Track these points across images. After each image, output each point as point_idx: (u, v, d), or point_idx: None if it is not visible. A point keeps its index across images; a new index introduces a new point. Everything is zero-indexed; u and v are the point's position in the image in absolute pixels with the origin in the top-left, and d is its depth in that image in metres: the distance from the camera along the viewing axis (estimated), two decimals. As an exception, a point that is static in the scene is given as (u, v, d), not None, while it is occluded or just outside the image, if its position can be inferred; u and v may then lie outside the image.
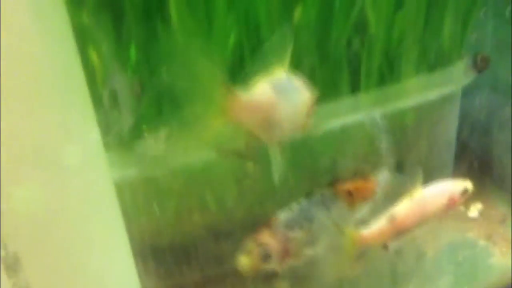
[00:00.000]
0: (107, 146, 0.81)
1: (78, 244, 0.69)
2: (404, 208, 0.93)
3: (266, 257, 0.84)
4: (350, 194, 0.89)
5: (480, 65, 1.04)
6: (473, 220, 1.26)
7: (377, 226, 0.92)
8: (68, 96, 0.67)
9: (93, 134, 0.75)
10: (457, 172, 1.15)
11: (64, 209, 0.67)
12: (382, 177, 0.93)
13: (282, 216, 0.86)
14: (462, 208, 1.27)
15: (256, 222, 1.07)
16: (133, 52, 0.93)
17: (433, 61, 1.03)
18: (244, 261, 0.84)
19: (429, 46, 1.01)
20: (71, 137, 0.67)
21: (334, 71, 0.97)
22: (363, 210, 0.92)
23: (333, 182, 0.88)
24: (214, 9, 0.91)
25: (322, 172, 1.02)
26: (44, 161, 0.63)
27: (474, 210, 1.27)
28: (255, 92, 0.70)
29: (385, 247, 0.95)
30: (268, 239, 0.85)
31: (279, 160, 0.78)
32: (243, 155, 0.78)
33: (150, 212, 0.99)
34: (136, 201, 0.96)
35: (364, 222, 0.92)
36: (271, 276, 1.11)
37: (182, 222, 1.03)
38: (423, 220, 0.96)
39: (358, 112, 1.00)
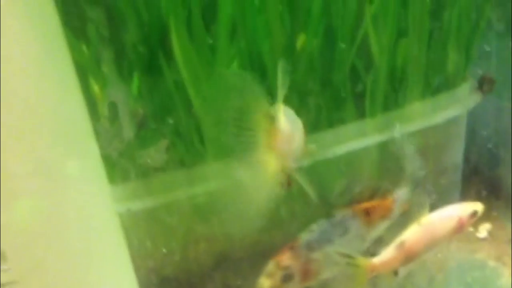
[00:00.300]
0: (111, 180, 0.82)
1: (79, 266, 0.70)
2: (413, 234, 0.92)
3: (287, 278, 0.84)
4: (367, 213, 0.89)
5: (486, 87, 1.03)
6: (482, 240, 1.25)
7: (387, 254, 0.91)
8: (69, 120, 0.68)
9: (97, 168, 0.76)
10: (465, 193, 1.14)
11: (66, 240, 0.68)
12: (400, 195, 0.92)
13: (304, 237, 0.86)
14: (471, 228, 1.26)
15: (263, 251, 1.07)
16: (135, 84, 0.94)
17: (438, 85, 1.03)
18: (265, 284, 0.84)
19: (433, 70, 1.01)
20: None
21: (338, 97, 0.96)
22: (381, 228, 0.92)
23: (351, 202, 0.88)
24: (217, 38, 0.91)
25: (329, 198, 1.02)
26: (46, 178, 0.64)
27: (483, 230, 1.26)
28: (280, 124, 0.71)
29: (395, 273, 0.94)
30: (290, 261, 0.85)
31: (307, 181, 0.80)
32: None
33: (156, 243, 0.99)
34: (141, 231, 0.96)
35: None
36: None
37: (188, 252, 1.02)
38: (433, 245, 0.95)
39: (364, 138, 1.00)
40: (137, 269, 0.83)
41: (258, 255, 1.07)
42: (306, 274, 0.85)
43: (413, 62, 0.98)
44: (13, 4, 0.55)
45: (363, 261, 0.88)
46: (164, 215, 1.00)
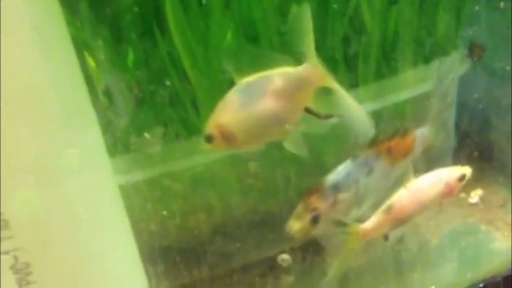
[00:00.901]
0: (110, 151, 0.83)
1: (84, 246, 0.71)
2: (400, 198, 0.94)
3: (315, 220, 0.86)
4: (390, 152, 0.90)
5: (476, 54, 1.05)
6: (474, 206, 1.27)
7: (376, 218, 0.93)
8: (69, 101, 0.69)
9: (95, 137, 0.76)
10: (457, 159, 1.16)
11: (69, 212, 0.69)
12: (420, 134, 0.93)
13: (330, 179, 0.87)
14: (463, 194, 1.28)
15: (260, 220, 1.09)
16: (130, 58, 0.94)
17: (429, 53, 1.04)
18: (295, 226, 0.86)
19: (424, 38, 1.02)
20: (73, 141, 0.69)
21: (332, 67, 0.97)
22: (403, 166, 0.93)
23: (374, 143, 0.89)
24: (210, 9, 0.92)
25: (325, 168, 1.04)
26: (46, 166, 0.65)
27: (475, 196, 1.28)
28: None
29: (385, 237, 0.96)
30: (318, 202, 0.86)
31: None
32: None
33: (156, 214, 1.00)
34: (141, 203, 0.98)
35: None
36: (278, 270, 1.13)
37: (187, 222, 1.04)
38: (422, 209, 0.96)
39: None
40: (138, 238, 0.85)
41: (256, 224, 1.10)
42: (334, 215, 0.87)
43: (405, 28, 0.99)
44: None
45: (354, 227, 0.91)
46: (162, 186, 1.02)
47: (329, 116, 0.78)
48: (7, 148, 0.61)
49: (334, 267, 0.93)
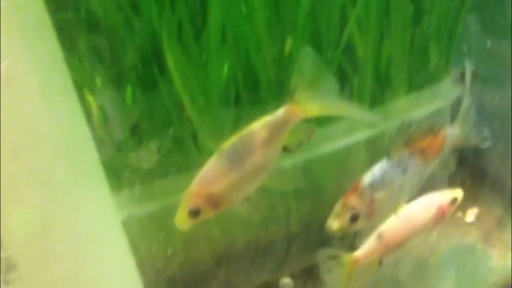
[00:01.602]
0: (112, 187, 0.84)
1: (85, 272, 0.72)
2: (391, 225, 0.96)
3: (354, 218, 0.88)
4: (423, 151, 0.93)
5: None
6: (470, 225, 1.29)
7: (367, 246, 0.96)
8: (71, 139, 0.70)
9: (98, 174, 0.78)
10: (451, 180, 1.17)
11: (74, 251, 0.71)
12: (451, 132, 0.96)
13: (367, 179, 0.90)
14: (459, 213, 1.30)
15: (261, 246, 1.11)
16: (129, 94, 0.96)
17: (422, 80, 1.06)
18: (334, 225, 0.88)
19: (417, 67, 1.04)
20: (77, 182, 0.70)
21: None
22: (434, 165, 0.96)
23: (407, 143, 0.91)
24: (207, 47, 0.94)
25: (323, 195, 1.06)
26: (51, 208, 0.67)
27: (471, 215, 1.30)
28: None
29: (379, 263, 0.98)
30: (356, 201, 0.89)
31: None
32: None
33: (159, 247, 1.02)
34: (144, 237, 0.99)
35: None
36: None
37: (190, 252, 1.06)
38: (413, 234, 0.98)
39: (353, 134, 1.03)
40: (142, 271, 0.87)
41: (257, 252, 1.12)
42: (370, 214, 0.90)
43: (397, 62, 1.02)
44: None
45: (347, 257, 0.93)
46: (164, 219, 1.03)
47: (298, 146, 0.82)
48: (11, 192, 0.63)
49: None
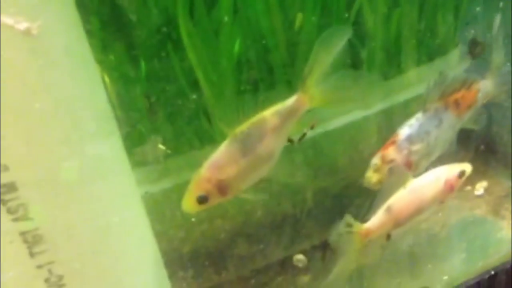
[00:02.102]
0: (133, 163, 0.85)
1: (112, 255, 0.73)
2: (399, 198, 0.95)
3: (392, 171, 0.90)
4: (457, 103, 0.94)
5: (476, 50, 1.08)
6: (479, 197, 1.30)
7: (377, 218, 0.95)
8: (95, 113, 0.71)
9: (119, 150, 0.78)
10: (461, 153, 1.18)
11: (97, 222, 0.71)
12: (483, 86, 0.97)
13: (404, 132, 0.92)
14: (468, 187, 1.31)
15: (275, 221, 1.11)
16: (143, 70, 0.96)
17: (431, 52, 1.07)
18: (374, 178, 0.90)
19: (426, 39, 1.05)
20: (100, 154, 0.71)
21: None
22: (466, 118, 0.98)
23: (442, 95, 0.93)
24: (219, 22, 0.94)
25: (336, 170, 1.07)
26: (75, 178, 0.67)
27: (480, 188, 1.31)
28: None
29: (388, 237, 0.98)
30: (394, 154, 0.90)
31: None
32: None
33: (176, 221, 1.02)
34: (163, 211, 1.00)
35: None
36: (295, 270, 1.16)
37: (205, 228, 1.06)
38: (422, 208, 0.98)
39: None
40: (162, 244, 0.87)
41: (270, 227, 1.12)
42: (409, 166, 0.92)
43: (407, 31, 1.02)
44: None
45: (357, 226, 0.93)
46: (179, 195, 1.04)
47: (302, 137, 0.83)
48: (37, 160, 0.63)
49: (338, 267, 0.95)
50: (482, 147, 1.22)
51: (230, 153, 0.77)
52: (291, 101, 0.78)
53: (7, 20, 0.48)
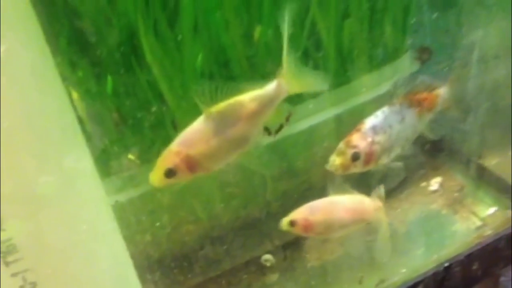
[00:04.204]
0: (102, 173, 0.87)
1: (83, 260, 0.75)
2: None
3: (355, 157, 0.91)
4: (420, 103, 0.97)
5: (424, 56, 1.14)
6: (434, 192, 1.35)
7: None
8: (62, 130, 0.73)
9: (88, 162, 0.81)
10: (414, 152, 1.23)
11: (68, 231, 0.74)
12: (443, 92, 1.00)
13: (369, 121, 0.94)
14: (424, 183, 1.36)
15: (243, 225, 1.15)
16: (109, 85, 0.99)
17: (382, 59, 1.13)
18: (337, 161, 0.91)
19: (376, 46, 1.10)
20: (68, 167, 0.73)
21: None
22: (427, 120, 1.01)
23: (408, 94, 0.96)
24: (181, 36, 0.98)
25: (296, 172, 1.11)
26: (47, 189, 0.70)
27: (435, 184, 1.36)
28: None
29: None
30: (358, 141, 0.92)
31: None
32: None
33: (148, 226, 1.05)
34: (134, 218, 1.02)
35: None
36: (263, 270, 1.20)
37: (175, 234, 1.09)
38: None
39: (322, 113, 1.09)
40: (132, 249, 0.90)
41: (239, 230, 1.16)
42: (370, 156, 0.93)
43: (358, 40, 1.07)
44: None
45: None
46: (148, 204, 1.07)
47: (279, 129, 0.83)
48: (9, 175, 0.66)
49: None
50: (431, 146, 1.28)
51: (202, 130, 0.76)
52: (270, 86, 0.77)
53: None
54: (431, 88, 0.99)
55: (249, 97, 0.76)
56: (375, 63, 1.13)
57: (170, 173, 0.76)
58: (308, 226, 0.99)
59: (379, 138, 0.93)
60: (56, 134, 0.71)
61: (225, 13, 0.97)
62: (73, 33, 0.91)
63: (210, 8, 0.96)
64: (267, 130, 0.82)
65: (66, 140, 0.73)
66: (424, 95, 0.98)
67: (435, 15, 1.15)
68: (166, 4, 0.93)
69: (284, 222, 0.99)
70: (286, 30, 0.76)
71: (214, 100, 0.75)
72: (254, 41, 1.03)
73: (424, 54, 1.15)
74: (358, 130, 0.93)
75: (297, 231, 1.00)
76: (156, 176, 0.77)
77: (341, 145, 0.92)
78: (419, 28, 1.16)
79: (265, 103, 0.77)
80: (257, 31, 1.01)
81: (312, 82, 0.83)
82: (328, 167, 0.92)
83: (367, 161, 0.94)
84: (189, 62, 0.98)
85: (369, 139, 0.93)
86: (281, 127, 0.83)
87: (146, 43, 0.92)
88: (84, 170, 0.79)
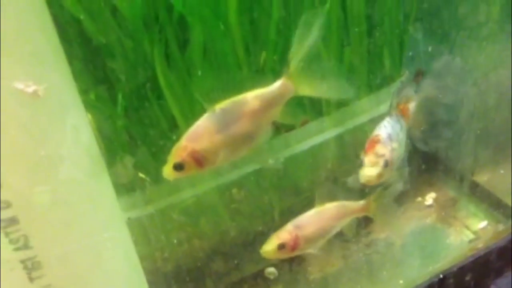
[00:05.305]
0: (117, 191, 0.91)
1: (102, 275, 0.80)
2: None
3: (386, 165, 0.91)
4: (404, 113, 0.99)
5: (418, 78, 1.19)
6: (429, 207, 1.39)
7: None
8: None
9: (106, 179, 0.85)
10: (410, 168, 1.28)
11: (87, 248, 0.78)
12: (411, 107, 1.01)
13: (384, 131, 0.94)
14: (419, 198, 1.41)
15: (248, 240, 1.19)
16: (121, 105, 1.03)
17: (380, 82, 1.18)
18: (373, 172, 0.90)
19: (374, 71, 1.16)
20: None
21: (297, 104, 1.06)
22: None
23: (398, 103, 0.99)
24: (191, 63, 1.03)
25: (300, 190, 1.15)
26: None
27: (429, 199, 1.41)
28: None
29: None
30: (383, 149, 0.92)
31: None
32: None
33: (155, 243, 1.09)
34: (145, 234, 1.06)
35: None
36: (268, 282, 1.24)
37: (184, 248, 1.13)
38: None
39: (324, 133, 1.14)
40: (144, 264, 0.93)
41: (245, 245, 1.20)
42: (392, 162, 0.93)
43: (358, 65, 1.13)
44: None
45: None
46: (159, 221, 1.11)
47: (291, 128, 0.82)
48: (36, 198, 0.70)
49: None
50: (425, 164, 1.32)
51: (205, 127, 0.76)
52: (275, 85, 0.77)
53: (18, 85, 0.55)
54: (407, 99, 1.02)
55: (253, 95, 0.77)
56: (375, 86, 1.17)
57: (178, 167, 0.77)
58: (296, 244, 0.98)
59: (395, 145, 0.95)
60: (81, 156, 0.75)
61: (233, 41, 1.01)
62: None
63: (219, 36, 1.00)
64: (277, 127, 0.83)
65: (89, 162, 0.77)
66: (401, 106, 1.01)
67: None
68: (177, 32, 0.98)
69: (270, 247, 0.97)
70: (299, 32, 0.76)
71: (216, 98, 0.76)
72: (260, 66, 1.08)
73: (418, 77, 1.21)
74: (377, 140, 0.93)
75: (285, 253, 0.99)
76: (167, 170, 0.79)
77: (370, 157, 0.92)
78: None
79: (269, 102, 0.77)
80: (263, 57, 1.06)
81: (325, 87, 0.81)
82: (362, 180, 0.91)
83: (390, 168, 0.94)
84: (198, 87, 1.02)
85: (389, 147, 0.93)
86: (292, 127, 0.82)
87: (160, 69, 0.97)
88: (103, 189, 0.83)
